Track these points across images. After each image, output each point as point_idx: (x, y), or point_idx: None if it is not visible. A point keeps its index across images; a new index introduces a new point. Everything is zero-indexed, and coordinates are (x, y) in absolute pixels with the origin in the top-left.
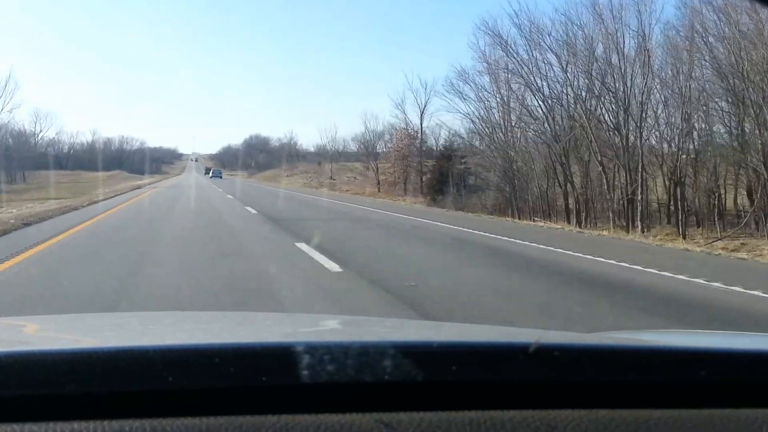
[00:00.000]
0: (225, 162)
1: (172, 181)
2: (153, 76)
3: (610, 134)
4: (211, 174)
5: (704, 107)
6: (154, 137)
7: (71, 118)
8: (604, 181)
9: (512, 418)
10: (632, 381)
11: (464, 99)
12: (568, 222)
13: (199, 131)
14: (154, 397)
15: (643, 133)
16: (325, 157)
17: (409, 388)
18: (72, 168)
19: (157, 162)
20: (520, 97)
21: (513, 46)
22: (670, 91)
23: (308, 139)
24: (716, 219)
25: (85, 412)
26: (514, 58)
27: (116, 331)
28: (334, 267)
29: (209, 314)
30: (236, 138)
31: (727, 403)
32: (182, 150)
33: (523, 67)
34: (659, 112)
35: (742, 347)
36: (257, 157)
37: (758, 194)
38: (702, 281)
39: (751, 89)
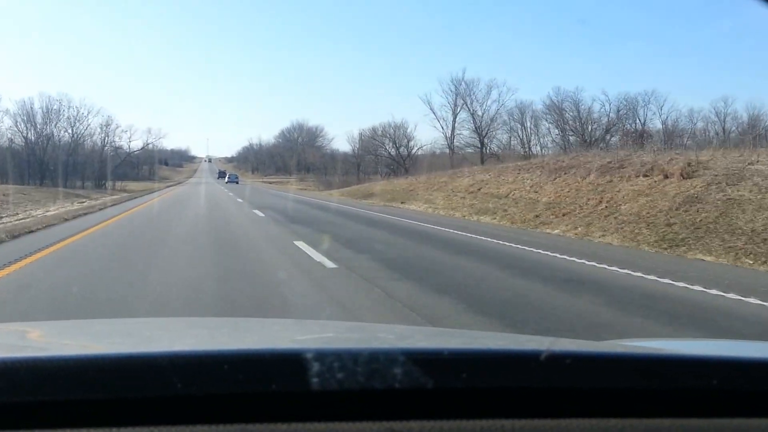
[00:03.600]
0: (251, 165)
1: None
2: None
3: None
4: (227, 179)
5: None
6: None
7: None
8: None
9: (523, 426)
10: (642, 389)
11: None
12: None
13: (214, 134)
14: (163, 403)
15: None
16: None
17: (420, 396)
18: None
19: (149, 164)
20: None
21: None
22: None
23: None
24: None
25: (93, 419)
26: None
27: (124, 337)
28: None
29: (217, 320)
30: (264, 134)
31: (735, 412)
32: (195, 152)
33: None
34: None
35: (750, 356)
36: (305, 155)
37: None
38: None
39: None
